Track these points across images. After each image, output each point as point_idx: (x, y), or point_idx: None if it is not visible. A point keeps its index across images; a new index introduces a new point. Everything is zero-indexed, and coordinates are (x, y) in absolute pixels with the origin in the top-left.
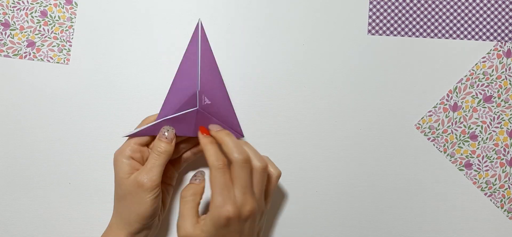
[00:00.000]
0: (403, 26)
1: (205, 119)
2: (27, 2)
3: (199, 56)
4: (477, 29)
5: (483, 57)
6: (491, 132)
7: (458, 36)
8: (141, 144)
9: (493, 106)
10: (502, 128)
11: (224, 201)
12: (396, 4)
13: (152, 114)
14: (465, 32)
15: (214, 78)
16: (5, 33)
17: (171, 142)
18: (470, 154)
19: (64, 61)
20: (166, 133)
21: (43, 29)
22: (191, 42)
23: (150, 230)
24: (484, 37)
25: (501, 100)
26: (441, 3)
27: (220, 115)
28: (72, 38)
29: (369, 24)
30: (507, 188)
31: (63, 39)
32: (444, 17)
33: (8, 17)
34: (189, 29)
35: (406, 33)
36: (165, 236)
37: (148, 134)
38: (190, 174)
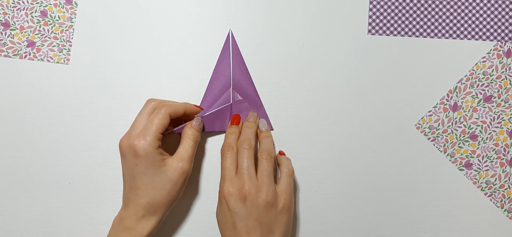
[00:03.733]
0: (403, 26)
1: (238, 113)
2: (27, 2)
3: (231, 59)
4: (477, 29)
5: (483, 57)
6: (491, 132)
7: (458, 36)
8: (162, 133)
9: (493, 106)
10: (502, 128)
11: (230, 183)
12: (396, 4)
13: None
14: (465, 32)
15: (244, 78)
16: (5, 33)
17: (200, 131)
18: (470, 154)
19: (64, 61)
20: (197, 123)
21: (43, 29)
22: (224, 47)
23: None
24: (484, 37)
25: (501, 100)
26: (441, 3)
27: (251, 109)
28: (72, 38)
29: (369, 24)
30: (507, 188)
31: (63, 39)
32: (444, 17)
33: (8, 17)
34: (189, 29)
35: (406, 33)
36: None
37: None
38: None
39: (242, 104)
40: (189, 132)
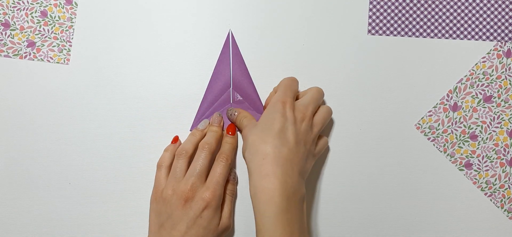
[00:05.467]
0: (403, 26)
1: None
2: (27, 2)
3: (231, 59)
4: (477, 29)
5: (483, 57)
6: (491, 132)
7: (458, 36)
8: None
9: (493, 106)
10: (502, 128)
11: (283, 94)
12: (396, 4)
13: (150, 112)
14: (465, 32)
15: (244, 78)
16: (5, 33)
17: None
18: (470, 154)
19: (64, 61)
20: (233, 177)
21: (43, 29)
22: (224, 48)
23: None
24: (484, 37)
25: (501, 100)
26: (441, 3)
27: (251, 110)
28: (72, 38)
29: (369, 24)
30: (507, 188)
31: (63, 39)
32: (444, 17)
33: (8, 17)
34: (189, 29)
35: (406, 33)
36: None
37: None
38: None
39: (242, 105)
40: (231, 188)
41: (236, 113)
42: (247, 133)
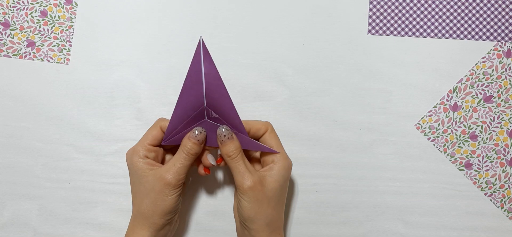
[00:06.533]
0: (403, 26)
1: (215, 128)
2: (27, 2)
3: (203, 73)
4: (477, 29)
5: (483, 57)
6: (491, 132)
7: (458, 36)
8: (153, 145)
9: (493, 106)
10: (502, 128)
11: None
12: (396, 4)
13: (150, 112)
14: (465, 32)
15: (219, 92)
16: (5, 33)
17: (201, 144)
18: (470, 154)
19: (64, 61)
20: (197, 133)
21: (43, 29)
22: (194, 58)
23: (171, 226)
24: (484, 37)
25: (501, 100)
26: (441, 3)
27: (228, 125)
28: (72, 38)
29: (369, 24)
30: (507, 188)
31: (63, 39)
32: (444, 17)
33: (8, 17)
34: (189, 28)
35: (406, 33)
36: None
37: (173, 143)
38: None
39: (218, 122)
40: (184, 143)
41: (225, 136)
42: (258, 198)
